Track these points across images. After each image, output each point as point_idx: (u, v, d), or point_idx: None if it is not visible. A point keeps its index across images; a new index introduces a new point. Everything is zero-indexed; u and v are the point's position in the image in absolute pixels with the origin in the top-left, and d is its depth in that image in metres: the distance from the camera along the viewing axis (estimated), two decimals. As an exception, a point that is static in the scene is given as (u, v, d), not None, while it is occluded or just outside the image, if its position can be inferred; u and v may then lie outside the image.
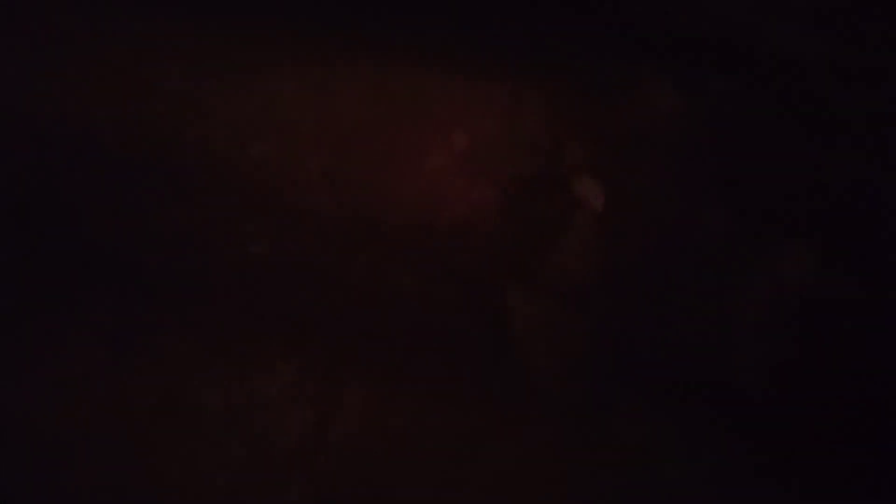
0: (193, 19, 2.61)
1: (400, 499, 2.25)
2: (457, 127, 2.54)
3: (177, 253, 2.41)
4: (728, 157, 2.54)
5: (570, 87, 2.58)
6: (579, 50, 2.62)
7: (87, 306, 2.36)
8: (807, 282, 2.42)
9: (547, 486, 2.27)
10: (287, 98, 2.56)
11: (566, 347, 2.37)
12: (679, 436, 2.30)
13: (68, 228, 2.42)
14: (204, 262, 2.41)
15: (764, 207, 2.49)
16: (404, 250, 2.43)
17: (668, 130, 2.54)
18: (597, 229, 2.45)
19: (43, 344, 2.33)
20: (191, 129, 2.51)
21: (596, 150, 2.53)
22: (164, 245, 2.42)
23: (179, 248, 2.42)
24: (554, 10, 2.66)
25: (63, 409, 2.28)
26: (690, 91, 2.59)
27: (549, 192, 2.49)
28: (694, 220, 2.48)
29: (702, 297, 2.41)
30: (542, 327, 2.38)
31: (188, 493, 2.23)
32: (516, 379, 2.35)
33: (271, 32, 2.61)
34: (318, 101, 2.56)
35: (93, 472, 2.24)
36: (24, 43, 2.57)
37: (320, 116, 2.54)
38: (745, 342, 2.38)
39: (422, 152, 2.52)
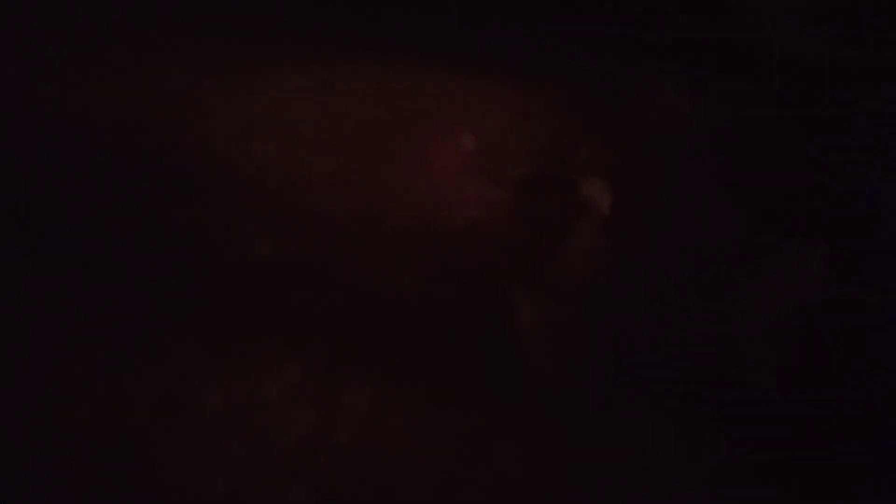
0: (194, 19, 2.61)
1: (400, 499, 2.25)
2: (461, 127, 2.54)
3: (177, 253, 2.41)
4: (732, 157, 2.54)
5: (575, 88, 2.58)
6: (583, 51, 2.62)
7: (87, 306, 2.36)
8: (810, 282, 2.42)
9: (547, 486, 2.27)
10: (289, 98, 2.56)
11: (569, 348, 2.37)
12: (679, 436, 2.30)
13: (68, 228, 2.42)
14: (204, 263, 2.41)
15: (768, 207, 2.49)
16: (407, 250, 2.43)
17: (673, 131, 2.54)
18: (601, 230, 2.45)
19: (43, 344, 2.33)
20: (191, 129, 2.51)
21: (601, 150, 2.53)
22: (164, 245, 2.42)
23: (180, 248, 2.42)
24: (558, 10, 2.66)
25: (63, 409, 2.28)
26: (695, 92, 2.59)
27: (554, 192, 2.49)
28: (698, 221, 2.48)
29: (705, 298, 2.41)
30: (545, 328, 2.38)
31: (188, 494, 2.23)
32: (518, 379, 2.35)
33: (272, 32, 2.61)
34: (319, 100, 2.56)
35: (93, 472, 2.24)
36: (25, 43, 2.56)
37: (322, 116, 2.54)
38: (747, 343, 2.38)
39: (425, 152, 2.52)
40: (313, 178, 2.48)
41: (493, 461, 2.28)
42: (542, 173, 2.51)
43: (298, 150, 2.51)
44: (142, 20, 2.59)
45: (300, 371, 2.33)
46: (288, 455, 2.27)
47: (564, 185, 2.50)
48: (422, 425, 2.30)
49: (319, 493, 2.24)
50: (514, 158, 2.53)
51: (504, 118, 2.56)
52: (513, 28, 2.63)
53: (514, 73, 2.59)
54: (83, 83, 2.54)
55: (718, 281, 2.42)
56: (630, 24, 2.64)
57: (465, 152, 2.52)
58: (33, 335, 2.33)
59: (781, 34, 2.64)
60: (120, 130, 2.50)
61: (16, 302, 2.36)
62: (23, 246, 2.40)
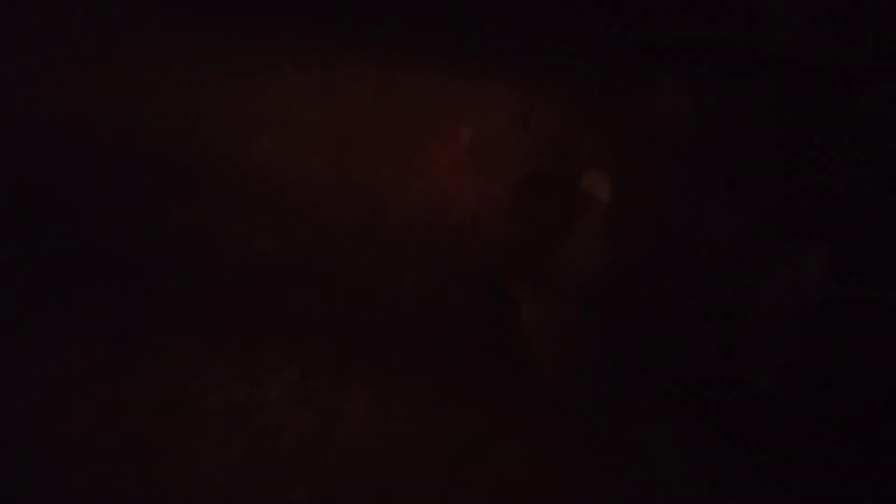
0: (194, 19, 2.61)
1: (400, 499, 2.24)
2: (461, 125, 2.53)
3: (177, 252, 2.41)
4: (732, 157, 2.54)
5: (575, 87, 2.58)
6: (583, 50, 2.62)
7: (87, 306, 2.36)
8: (811, 282, 2.41)
9: (547, 486, 2.27)
10: (289, 97, 2.56)
11: (569, 347, 2.37)
12: (679, 436, 2.30)
13: (68, 228, 2.42)
14: (204, 262, 2.41)
15: (768, 207, 2.49)
16: (407, 249, 2.43)
17: (673, 131, 2.54)
18: (603, 228, 2.45)
19: (43, 344, 2.33)
20: (191, 129, 2.51)
21: (602, 148, 2.52)
22: (164, 245, 2.42)
23: (180, 248, 2.42)
24: (558, 9, 2.66)
25: (63, 409, 2.28)
26: (695, 91, 2.58)
27: (556, 189, 2.49)
28: (698, 221, 2.48)
29: (705, 297, 2.41)
30: (546, 327, 2.38)
31: (188, 494, 2.23)
32: (518, 379, 2.35)
33: (272, 32, 2.61)
34: (319, 100, 2.56)
35: (93, 472, 2.24)
36: (25, 43, 2.56)
37: (322, 116, 2.54)
38: (747, 342, 2.38)
39: (426, 150, 2.52)
40: (313, 178, 2.48)
41: (493, 461, 2.28)
42: (543, 172, 2.51)
43: (298, 149, 2.51)
44: (142, 20, 2.59)
45: (300, 371, 2.33)
46: (288, 455, 2.27)
47: (564, 183, 2.50)
48: (422, 425, 2.30)
49: (320, 493, 2.24)
50: (514, 157, 2.53)
51: (504, 117, 2.55)
52: (513, 27, 2.63)
53: (514, 71, 2.59)
54: (83, 83, 2.54)
55: (719, 280, 2.42)
56: (630, 23, 2.64)
57: (465, 151, 2.52)
58: (33, 335, 2.33)
59: (781, 34, 2.63)
60: (120, 130, 2.50)
61: (16, 302, 2.35)
62: (23, 246, 2.40)
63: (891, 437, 2.31)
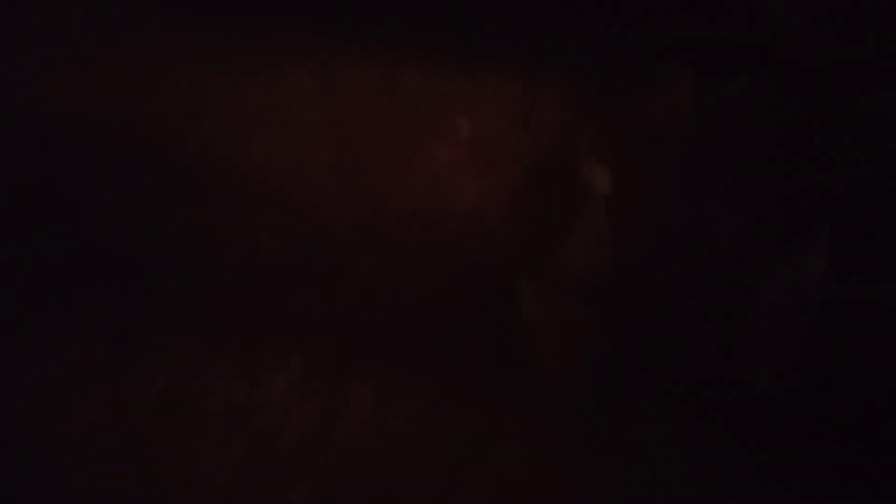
0: (194, 18, 2.61)
1: (401, 498, 2.24)
2: (461, 122, 2.53)
3: (177, 252, 2.41)
4: (734, 155, 2.54)
5: (576, 82, 2.57)
6: (584, 44, 2.61)
7: (87, 306, 2.36)
8: (816, 280, 2.41)
9: (547, 486, 2.27)
10: (289, 96, 2.55)
11: (571, 345, 2.37)
12: (679, 436, 2.30)
13: (68, 228, 2.42)
14: (205, 262, 2.41)
15: (771, 205, 2.49)
16: (408, 246, 2.43)
17: (675, 126, 2.53)
18: (606, 223, 2.44)
19: (43, 344, 2.33)
20: (192, 128, 2.51)
21: (604, 142, 2.52)
22: (164, 244, 2.41)
23: (180, 247, 2.41)
24: (559, 5, 2.65)
25: (63, 409, 2.28)
26: (696, 87, 2.58)
27: (556, 186, 2.48)
28: (704, 216, 2.47)
29: (709, 295, 2.41)
30: (547, 324, 2.38)
31: (188, 493, 2.23)
32: (520, 377, 2.35)
33: (271, 30, 2.61)
34: (320, 98, 2.55)
35: (93, 472, 2.24)
36: (25, 43, 2.56)
37: (323, 113, 2.54)
38: (751, 341, 2.38)
39: (426, 147, 2.51)
40: (313, 176, 2.48)
41: (493, 461, 2.28)
42: (543, 168, 2.51)
43: (298, 148, 2.51)
44: (142, 20, 2.59)
45: (301, 370, 2.33)
46: (289, 454, 2.27)
47: (565, 180, 2.50)
48: (422, 424, 2.30)
49: (320, 492, 2.24)
50: (514, 153, 2.52)
51: (504, 114, 2.55)
52: (513, 24, 2.63)
53: (514, 68, 2.59)
54: (83, 82, 2.54)
55: (719, 279, 2.42)
56: (631, 20, 2.63)
57: (466, 148, 2.52)
58: (33, 335, 2.33)
59: (782, 33, 2.63)
60: (120, 129, 2.50)
61: (16, 302, 2.35)
62: (23, 246, 2.40)
63: (891, 437, 2.31)
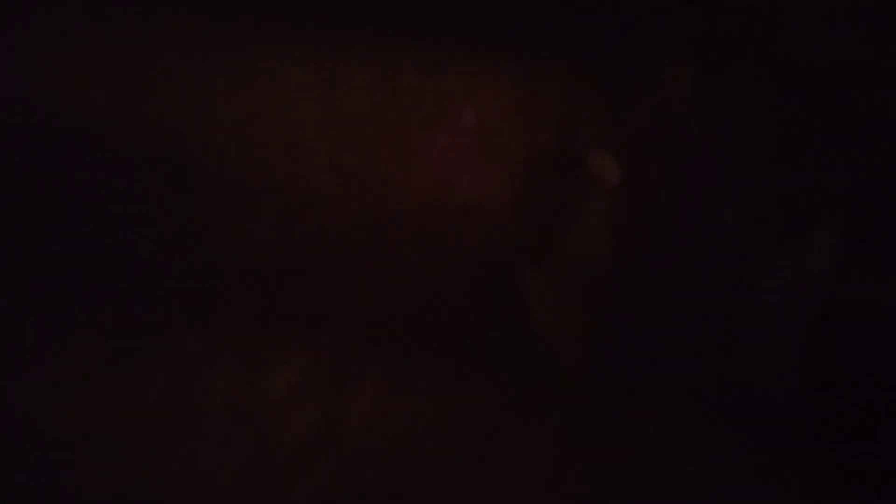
0: (193, 14, 2.60)
1: (407, 496, 2.24)
2: (462, 111, 2.52)
3: (178, 250, 2.41)
4: (739, 147, 2.53)
5: (578, 69, 2.56)
6: (592, 28, 2.59)
7: (87, 305, 2.36)
8: (823, 277, 2.41)
9: (546, 486, 2.27)
10: (288, 90, 2.55)
11: (574, 339, 2.37)
12: (680, 436, 2.30)
13: (67, 226, 2.42)
14: (206, 259, 2.40)
15: (784, 196, 2.48)
16: (412, 239, 2.42)
17: (685, 111, 2.52)
18: (612, 212, 2.43)
19: (43, 343, 2.33)
20: (193, 126, 2.51)
21: (610, 129, 2.51)
22: (165, 242, 2.41)
23: (181, 245, 2.41)
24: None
25: (63, 409, 2.28)
26: (700, 79, 2.56)
27: (560, 174, 2.47)
28: (712, 205, 2.47)
29: (711, 292, 2.40)
30: (552, 315, 2.38)
31: (190, 493, 2.23)
32: (522, 372, 2.34)
33: (270, 25, 2.60)
34: (320, 92, 2.55)
35: (93, 472, 2.24)
36: (26, 42, 2.56)
37: (323, 107, 2.53)
38: (756, 338, 2.37)
39: (430, 135, 2.51)
40: (315, 171, 2.48)
41: (495, 460, 2.28)
42: (547, 156, 2.50)
43: (299, 142, 2.50)
44: (142, 16, 2.59)
45: (304, 367, 2.32)
46: (292, 453, 2.27)
47: (569, 168, 2.49)
48: (431, 419, 2.29)
49: (323, 490, 2.24)
50: (517, 142, 2.51)
51: (506, 102, 2.54)
52: (515, 15, 2.62)
53: (514, 55, 2.57)
54: (82, 80, 2.53)
55: (720, 277, 2.42)
56: (633, 14, 2.62)
57: (467, 137, 2.51)
58: (33, 335, 2.33)
59: (790, 25, 2.62)
60: (119, 127, 2.49)
61: (16, 302, 2.35)
62: (23, 245, 2.40)
63: (891, 437, 2.31)
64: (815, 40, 2.61)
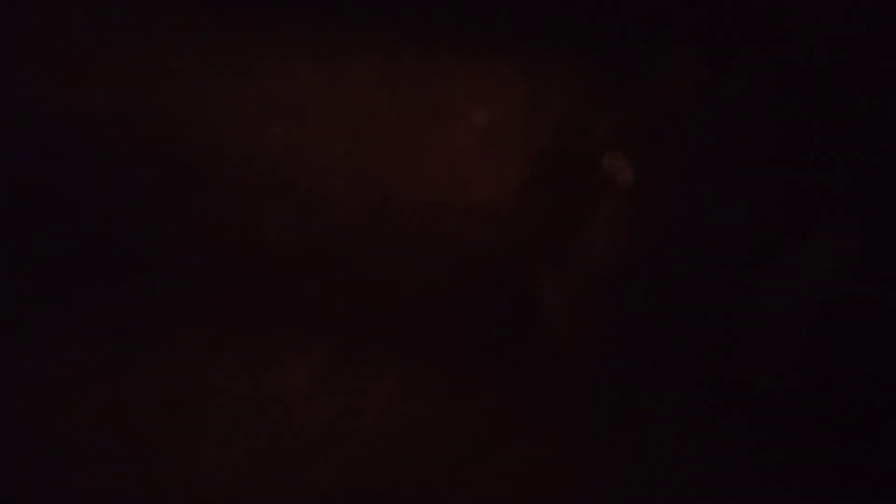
0: (198, 9, 2.60)
1: (416, 495, 2.24)
2: (474, 107, 2.52)
3: (185, 247, 2.40)
4: (762, 134, 2.51)
5: (595, 61, 2.54)
6: (599, 24, 2.58)
7: (87, 304, 2.36)
8: (824, 277, 2.40)
9: (549, 482, 2.27)
10: (297, 85, 2.54)
11: (588, 335, 2.36)
12: (680, 436, 2.30)
13: (69, 225, 2.42)
14: (214, 255, 2.40)
15: (801, 187, 2.46)
16: (424, 234, 2.42)
17: (698, 106, 2.51)
18: (624, 208, 2.43)
19: (43, 343, 2.33)
20: (197, 122, 2.50)
21: (623, 125, 2.50)
22: (171, 238, 2.41)
23: (188, 242, 2.41)
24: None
25: (63, 409, 2.28)
26: (716, 65, 2.54)
27: (575, 169, 2.47)
28: (729, 197, 2.45)
29: (718, 288, 2.39)
30: (565, 313, 2.37)
31: (190, 493, 2.23)
32: (535, 368, 2.34)
33: (278, 19, 2.59)
34: (329, 87, 2.54)
35: (93, 472, 2.24)
36: (26, 42, 2.56)
37: (332, 102, 2.52)
38: (757, 338, 2.37)
39: (440, 133, 2.50)
40: (324, 166, 2.47)
41: (502, 459, 2.28)
42: (559, 153, 2.49)
43: (308, 138, 2.49)
44: (146, 11, 2.58)
45: (314, 364, 2.32)
46: (306, 448, 2.26)
47: (583, 161, 2.48)
48: (441, 416, 2.29)
49: (333, 488, 2.24)
50: (529, 139, 2.51)
51: (517, 98, 2.53)
52: (524, 9, 2.60)
53: (526, 50, 2.56)
54: (85, 74, 2.53)
55: (727, 274, 2.41)
56: (641, 9, 2.60)
57: (479, 134, 2.51)
58: (33, 334, 2.33)
59: (806, 5, 2.59)
60: (123, 123, 2.49)
61: (16, 301, 2.35)
62: (23, 245, 2.40)
63: (891, 437, 2.31)
64: (842, 12, 2.58)
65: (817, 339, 2.38)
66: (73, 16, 2.57)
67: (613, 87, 2.54)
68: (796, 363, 2.36)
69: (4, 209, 2.42)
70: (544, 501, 2.26)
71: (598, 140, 2.48)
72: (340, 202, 2.44)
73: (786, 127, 2.53)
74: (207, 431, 2.27)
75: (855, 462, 2.29)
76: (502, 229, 2.43)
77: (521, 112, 2.52)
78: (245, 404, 2.29)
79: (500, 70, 2.54)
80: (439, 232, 2.42)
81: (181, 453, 2.25)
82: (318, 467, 2.25)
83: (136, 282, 2.37)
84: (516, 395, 2.32)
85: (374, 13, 2.58)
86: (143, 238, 2.40)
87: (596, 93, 2.53)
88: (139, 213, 2.42)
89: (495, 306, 2.37)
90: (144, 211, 2.43)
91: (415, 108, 2.51)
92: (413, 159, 2.48)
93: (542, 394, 2.32)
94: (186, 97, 2.52)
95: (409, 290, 2.38)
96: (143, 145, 2.48)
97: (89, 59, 2.54)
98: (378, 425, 2.28)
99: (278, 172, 2.46)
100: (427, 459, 2.28)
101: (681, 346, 2.36)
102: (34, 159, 2.46)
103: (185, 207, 2.44)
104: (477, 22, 2.58)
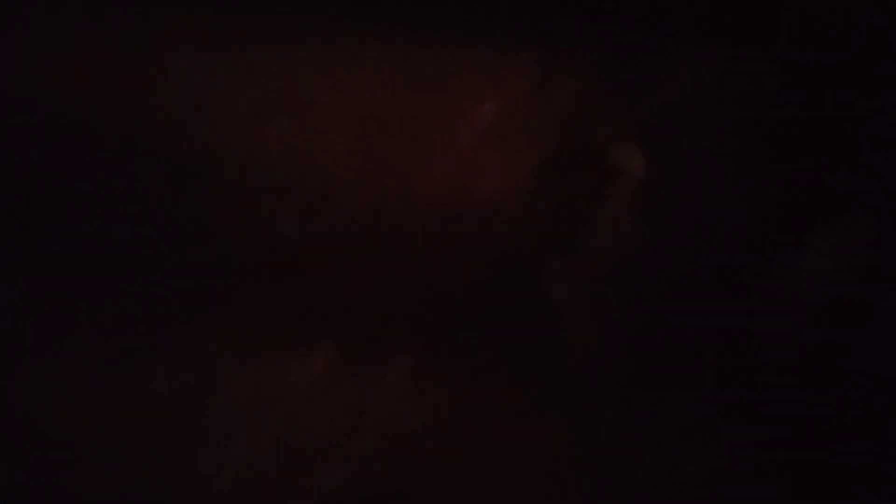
0: (199, 6, 2.59)
1: (419, 496, 2.24)
2: (482, 100, 2.51)
3: (186, 244, 2.40)
4: (780, 120, 2.50)
5: (607, 50, 2.54)
6: (612, 13, 2.57)
7: (88, 304, 2.35)
8: (852, 266, 2.39)
9: (548, 482, 2.27)
10: (306, 78, 2.53)
11: (596, 329, 2.36)
12: (681, 435, 2.30)
13: (69, 224, 2.42)
14: (214, 253, 2.40)
15: (821, 176, 2.45)
16: (434, 228, 2.42)
17: (713, 93, 2.50)
18: (636, 200, 2.42)
19: (43, 343, 2.33)
20: (207, 114, 2.49)
21: (633, 117, 2.49)
22: (172, 236, 2.40)
23: (188, 239, 2.40)
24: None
25: (63, 409, 2.28)
26: (736, 51, 2.53)
27: (582, 165, 2.47)
28: (738, 192, 2.45)
29: (733, 283, 2.39)
30: (574, 307, 2.37)
31: (192, 492, 2.23)
32: (544, 361, 2.34)
33: (288, 11, 2.58)
34: (338, 80, 2.53)
35: (93, 472, 2.24)
36: (26, 42, 2.56)
37: (341, 96, 2.52)
38: (759, 336, 2.37)
39: (449, 126, 2.50)
40: (334, 160, 2.47)
41: (496, 460, 2.28)
42: (569, 145, 2.49)
43: (318, 131, 2.49)
44: (145, 10, 2.58)
45: (320, 361, 2.32)
46: (319, 441, 2.26)
47: (593, 154, 2.47)
48: (452, 410, 2.29)
49: (353, 478, 2.23)
50: (538, 131, 2.50)
51: (527, 90, 2.53)
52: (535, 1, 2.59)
53: (535, 42, 2.55)
54: (85, 75, 2.53)
55: (761, 258, 2.39)
56: (651, 2, 2.59)
57: (488, 126, 2.50)
58: (33, 334, 2.33)
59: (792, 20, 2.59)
60: (132, 116, 2.48)
61: (16, 300, 2.35)
62: (22, 243, 2.39)
63: (891, 437, 2.31)
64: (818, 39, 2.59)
65: (818, 338, 2.38)
66: (73, 16, 2.57)
67: (621, 81, 2.53)
68: (797, 363, 2.36)
69: (4, 209, 2.42)
70: (547, 499, 2.26)
71: (608, 132, 2.48)
72: (345, 199, 2.43)
73: (786, 126, 2.53)
74: (209, 431, 2.27)
75: (855, 462, 2.29)
76: (509, 225, 2.43)
77: (528, 107, 2.52)
78: (248, 404, 2.29)
79: (507, 65, 2.54)
80: (446, 228, 2.41)
81: (183, 453, 2.25)
82: (323, 466, 2.25)
83: (137, 281, 2.37)
84: (522, 393, 2.31)
85: (379, 10, 2.58)
86: (143, 237, 2.40)
87: (603, 88, 2.53)
88: (140, 213, 2.42)
89: (502, 302, 2.37)
90: (145, 210, 2.42)
91: (421, 104, 2.51)
92: (420, 155, 2.47)
93: (545, 392, 2.32)
94: (198, 88, 2.51)
95: (415, 286, 2.38)
96: (144, 144, 2.48)
97: (89, 58, 2.54)
98: (384, 424, 2.28)
99: (283, 169, 2.46)
100: (432, 458, 2.28)
101: (682, 345, 2.36)
102: (34, 159, 2.46)
103: (186, 206, 2.43)
104: (482, 17, 2.58)
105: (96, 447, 2.25)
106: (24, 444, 2.25)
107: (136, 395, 2.29)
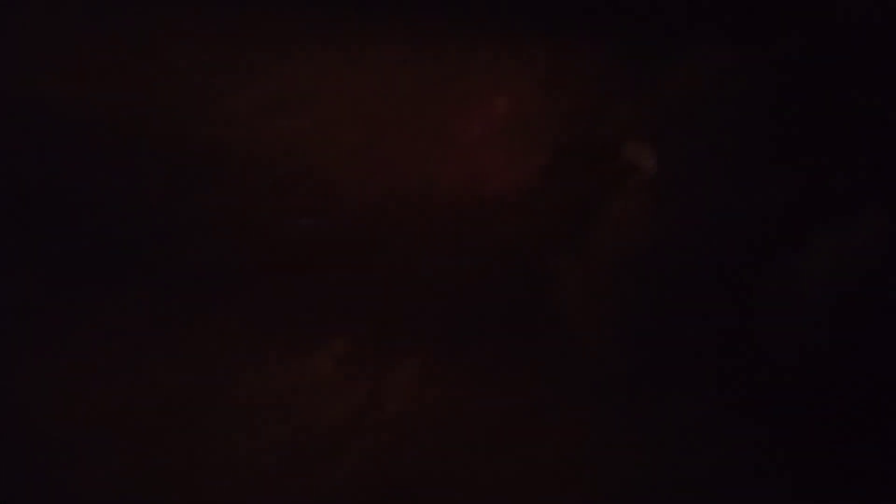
0: (199, 5, 2.59)
1: (444, 480, 2.24)
2: (493, 95, 2.51)
3: (188, 243, 2.40)
4: (788, 118, 2.50)
5: (615, 46, 2.54)
6: (619, 12, 2.57)
7: (88, 303, 2.35)
8: (856, 267, 2.39)
9: (548, 481, 2.27)
10: (317, 74, 2.53)
11: (605, 324, 2.36)
12: (682, 435, 2.30)
13: (70, 224, 2.41)
14: (216, 251, 2.39)
15: (827, 174, 2.45)
16: (442, 224, 2.42)
17: (722, 90, 2.50)
18: (647, 196, 2.42)
19: (43, 343, 2.33)
20: (214, 110, 2.49)
21: (644, 112, 2.49)
22: (173, 235, 2.40)
23: (190, 238, 2.40)
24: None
25: (63, 409, 2.28)
26: (745, 48, 2.52)
27: (597, 157, 2.46)
28: (739, 192, 2.45)
29: (743, 276, 2.39)
30: (585, 302, 2.37)
31: (194, 492, 2.23)
32: (553, 360, 2.33)
33: (299, 6, 2.58)
34: (349, 76, 2.53)
35: (94, 472, 2.24)
36: (26, 42, 2.56)
37: (352, 92, 2.51)
38: (773, 332, 2.36)
39: (460, 121, 2.49)
40: (344, 156, 2.46)
41: (504, 455, 2.28)
42: (580, 141, 2.49)
43: (328, 127, 2.49)
44: (145, 10, 2.58)
45: (333, 356, 2.32)
46: (330, 436, 2.26)
47: (604, 149, 2.47)
48: (463, 407, 2.29)
49: (364, 471, 2.23)
50: (549, 126, 2.50)
51: (538, 85, 2.52)
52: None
53: (546, 37, 2.55)
54: (85, 75, 2.53)
55: (773, 254, 2.39)
56: None
57: (499, 122, 2.50)
58: (34, 333, 2.33)
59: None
60: (142, 111, 2.48)
61: (17, 300, 2.35)
62: (23, 242, 2.39)
63: (891, 437, 2.31)
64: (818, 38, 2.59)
65: (818, 338, 2.38)
66: (73, 16, 2.57)
67: (634, 75, 2.53)
68: (797, 363, 2.36)
69: (4, 209, 2.42)
70: (549, 497, 2.26)
71: (617, 129, 2.48)
72: (356, 193, 2.43)
73: (787, 126, 2.53)
74: (210, 431, 2.27)
75: (855, 462, 2.29)
76: (521, 218, 2.43)
77: (540, 101, 2.51)
78: (250, 404, 2.29)
79: (519, 58, 2.53)
80: (458, 222, 2.41)
81: (183, 453, 2.25)
82: (337, 461, 2.25)
83: (137, 281, 2.37)
84: (527, 392, 2.32)
85: (381, 8, 2.58)
86: (144, 237, 2.40)
87: (616, 82, 2.52)
88: (140, 213, 2.42)
89: (510, 300, 2.37)
90: (145, 210, 2.42)
91: (426, 103, 2.51)
92: (431, 149, 2.47)
93: (550, 391, 2.32)
94: (187, 96, 2.52)
95: (426, 281, 2.38)
96: (144, 144, 2.48)
97: (89, 58, 2.54)
98: (389, 423, 2.28)
99: (284, 169, 2.46)
100: (437, 457, 2.28)
101: (683, 345, 2.36)
102: (34, 159, 2.46)
103: (186, 206, 2.43)
104: (488, 15, 2.57)
105: (96, 447, 2.25)
106: (24, 444, 2.25)
107: (136, 395, 2.29)
